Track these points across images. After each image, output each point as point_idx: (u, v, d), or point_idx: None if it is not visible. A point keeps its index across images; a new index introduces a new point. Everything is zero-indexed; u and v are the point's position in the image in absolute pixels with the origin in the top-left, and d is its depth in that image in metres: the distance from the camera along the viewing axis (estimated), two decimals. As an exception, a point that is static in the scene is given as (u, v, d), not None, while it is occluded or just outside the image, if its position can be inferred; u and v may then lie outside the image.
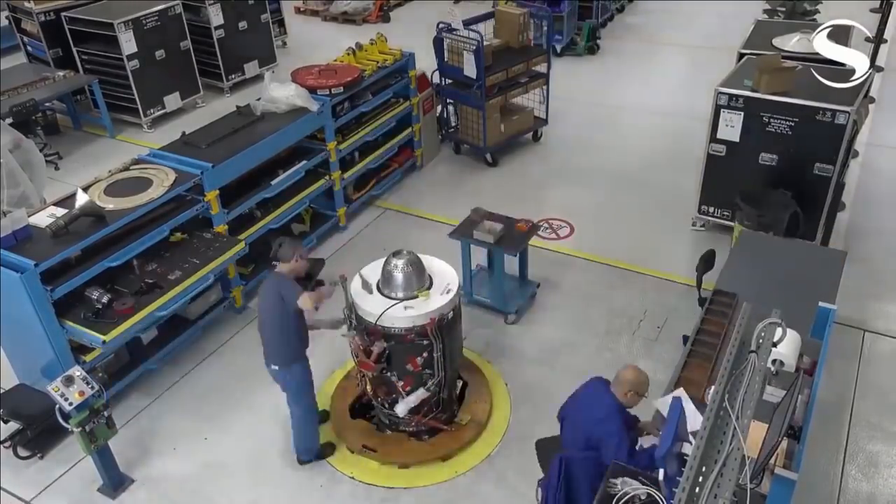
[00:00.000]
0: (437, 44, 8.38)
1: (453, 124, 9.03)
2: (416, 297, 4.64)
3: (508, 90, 8.63)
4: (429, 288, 4.72)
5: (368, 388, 4.98)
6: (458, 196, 8.03)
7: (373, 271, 4.84)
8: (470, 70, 8.13)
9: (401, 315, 4.54)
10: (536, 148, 9.20)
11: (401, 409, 4.81)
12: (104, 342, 4.99)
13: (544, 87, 8.99)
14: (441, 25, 8.36)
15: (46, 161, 8.17)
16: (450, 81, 8.63)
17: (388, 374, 4.73)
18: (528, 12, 8.87)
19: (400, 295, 4.65)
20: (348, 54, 7.99)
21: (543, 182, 8.45)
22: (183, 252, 5.77)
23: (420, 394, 4.79)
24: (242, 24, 10.72)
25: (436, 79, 8.72)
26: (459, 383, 5.36)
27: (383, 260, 4.78)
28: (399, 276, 4.65)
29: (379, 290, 4.72)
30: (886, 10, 9.25)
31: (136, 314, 5.20)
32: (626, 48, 12.13)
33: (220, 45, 10.49)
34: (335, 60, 8.00)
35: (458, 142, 8.99)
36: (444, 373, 4.81)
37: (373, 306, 4.59)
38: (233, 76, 10.88)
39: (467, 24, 8.40)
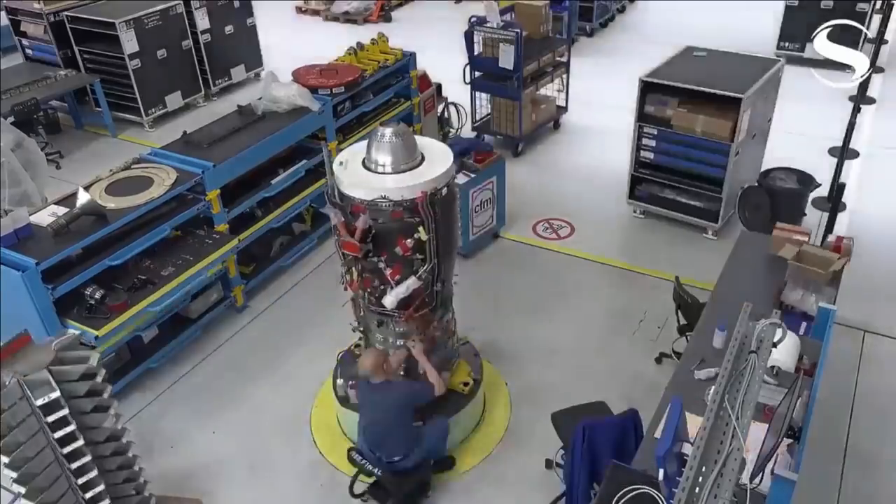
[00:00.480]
0: (468, 37, 8.45)
1: (454, 126, 9.11)
2: (408, 170, 4.28)
3: (539, 80, 8.81)
4: (420, 163, 4.36)
5: (354, 276, 4.52)
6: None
7: (360, 149, 4.47)
8: (506, 62, 8.20)
9: (388, 187, 4.18)
10: (545, 146, 9.21)
11: (389, 300, 4.40)
12: (97, 337, 5.03)
13: (564, 77, 9.26)
14: (473, 19, 8.42)
15: (48, 160, 8.19)
16: (480, 74, 8.69)
17: (376, 259, 4.33)
18: (548, 3, 9.11)
19: (388, 169, 4.28)
20: (349, 54, 8.00)
21: (544, 183, 8.46)
22: (177, 249, 5.79)
23: (411, 283, 4.36)
24: (229, 29, 10.65)
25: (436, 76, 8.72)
26: (466, 387, 5.16)
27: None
28: (387, 147, 4.24)
29: (365, 165, 4.35)
30: (887, 10, 9.25)
31: (129, 309, 5.24)
32: (626, 48, 12.12)
33: (207, 50, 10.43)
34: (337, 60, 8.01)
35: (492, 133, 9.04)
36: (438, 259, 4.41)
37: (357, 179, 4.22)
38: (219, 81, 10.82)
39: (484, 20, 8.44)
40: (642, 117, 7.07)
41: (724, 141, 6.66)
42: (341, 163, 4.38)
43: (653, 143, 7.08)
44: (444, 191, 4.34)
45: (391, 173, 4.25)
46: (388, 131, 4.26)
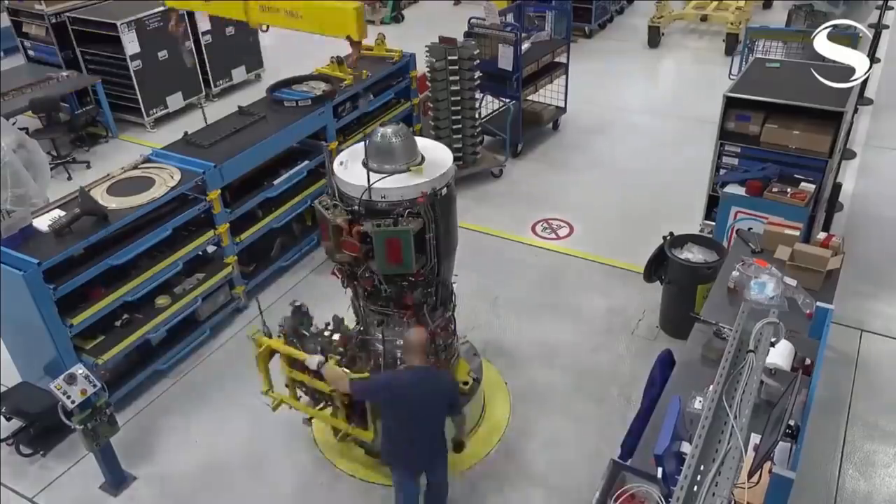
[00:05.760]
0: (467, 38, 8.46)
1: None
2: (408, 170, 4.24)
3: (538, 80, 8.85)
4: (421, 163, 4.29)
5: (351, 286, 4.53)
6: (460, 197, 8.03)
7: (361, 149, 4.38)
8: (505, 63, 8.23)
9: (389, 187, 4.13)
10: (544, 147, 9.22)
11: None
12: (72, 325, 5.10)
13: (563, 77, 9.28)
14: (473, 20, 8.43)
15: (58, 162, 8.17)
16: (480, 74, 8.69)
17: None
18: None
19: (388, 168, 4.22)
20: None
21: (543, 183, 8.48)
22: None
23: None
24: (230, 30, 10.63)
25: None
26: (466, 387, 5.15)
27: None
28: (387, 147, 4.21)
29: (365, 166, 4.26)
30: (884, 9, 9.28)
31: (105, 298, 5.35)
32: (625, 50, 12.14)
33: (208, 51, 10.44)
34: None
35: (492, 133, 9.00)
36: (438, 259, 4.40)
37: (358, 179, 4.17)
38: (220, 82, 10.83)
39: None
40: (724, 135, 6.45)
41: (822, 156, 6.09)
42: (342, 163, 4.40)
43: (735, 161, 6.47)
44: (444, 191, 4.35)
45: (392, 173, 4.25)
46: (387, 132, 4.28)
